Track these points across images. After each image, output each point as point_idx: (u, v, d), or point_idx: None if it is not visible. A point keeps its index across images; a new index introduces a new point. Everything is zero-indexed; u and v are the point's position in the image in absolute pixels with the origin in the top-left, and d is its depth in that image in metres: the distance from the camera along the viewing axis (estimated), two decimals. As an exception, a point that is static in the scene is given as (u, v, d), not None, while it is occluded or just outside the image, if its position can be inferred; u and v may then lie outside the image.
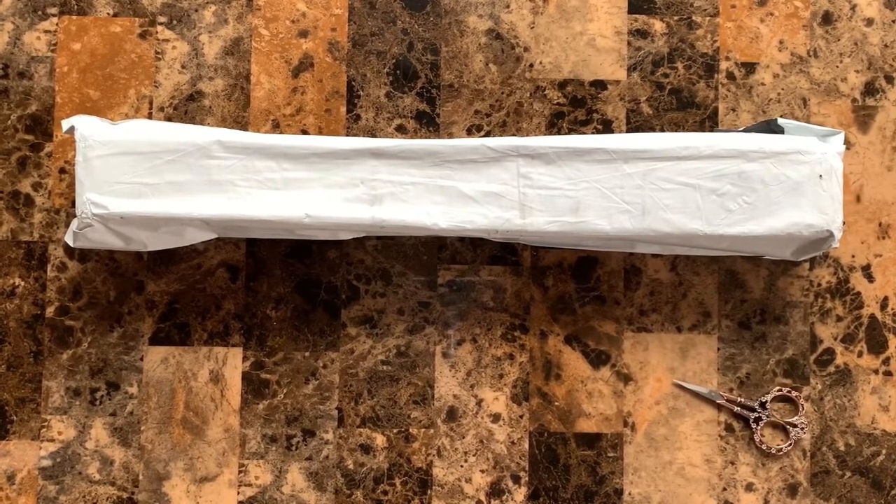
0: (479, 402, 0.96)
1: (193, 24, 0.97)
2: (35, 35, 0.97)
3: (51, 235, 0.96)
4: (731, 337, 0.96)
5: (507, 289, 0.96)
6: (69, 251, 0.95)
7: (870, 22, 0.98)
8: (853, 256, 0.97)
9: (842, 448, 0.96)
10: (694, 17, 0.98)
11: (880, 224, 0.97)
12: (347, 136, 0.97)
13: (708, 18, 0.98)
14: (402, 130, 0.97)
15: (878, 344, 0.96)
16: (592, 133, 0.97)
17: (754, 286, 0.97)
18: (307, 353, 0.95)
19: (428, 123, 0.97)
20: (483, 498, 0.95)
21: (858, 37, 0.98)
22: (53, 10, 0.97)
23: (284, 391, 0.95)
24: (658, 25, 0.98)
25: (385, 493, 0.95)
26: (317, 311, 0.96)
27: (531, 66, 0.98)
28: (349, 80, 0.97)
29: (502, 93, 0.97)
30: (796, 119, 0.97)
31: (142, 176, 0.84)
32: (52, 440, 0.95)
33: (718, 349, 0.96)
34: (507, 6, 0.98)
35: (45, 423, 0.95)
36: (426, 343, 0.96)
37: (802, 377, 0.96)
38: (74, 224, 0.85)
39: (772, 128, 0.89)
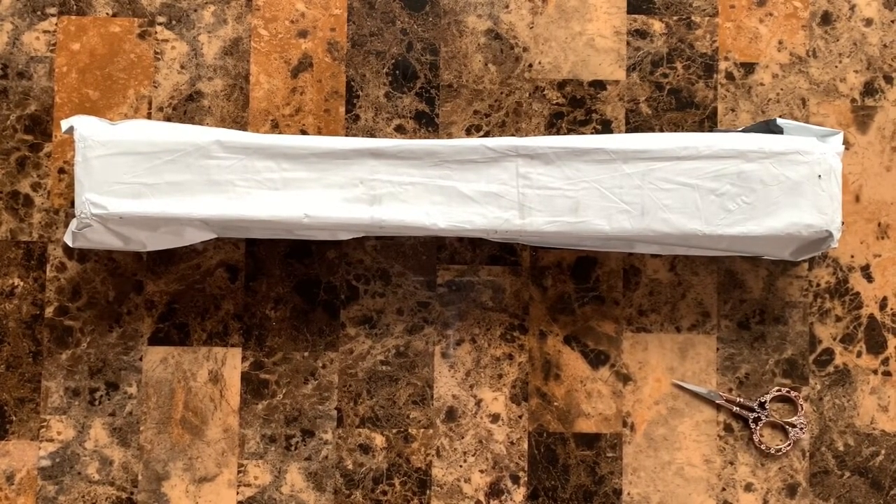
0: (479, 403, 0.96)
1: (192, 25, 0.97)
2: (34, 35, 0.97)
3: (50, 235, 0.96)
4: (731, 337, 0.96)
5: (506, 289, 0.96)
6: (68, 251, 0.95)
7: (869, 22, 0.98)
8: (852, 256, 0.97)
9: (841, 448, 0.96)
10: (693, 18, 0.98)
11: (879, 224, 0.97)
12: (346, 136, 0.97)
13: (707, 18, 0.98)
14: (401, 130, 0.97)
15: (877, 344, 0.96)
16: (591, 133, 0.97)
17: (753, 286, 0.96)
18: (306, 354, 0.95)
19: (427, 123, 0.97)
20: (482, 498, 0.95)
21: (857, 37, 0.98)
22: (52, 11, 0.97)
23: (283, 391, 0.95)
24: (657, 25, 0.98)
25: (384, 493, 0.95)
26: (316, 312, 0.96)
27: (530, 66, 0.98)
28: (348, 81, 0.97)
29: (501, 93, 0.97)
30: (795, 119, 0.97)
31: (141, 176, 0.84)
32: (52, 440, 0.95)
33: (717, 349, 0.96)
34: (507, 6, 0.98)
35: (45, 424, 0.95)
36: (425, 343, 0.96)
37: (802, 377, 0.96)
38: (73, 224, 0.85)
39: (771, 128, 0.89)
